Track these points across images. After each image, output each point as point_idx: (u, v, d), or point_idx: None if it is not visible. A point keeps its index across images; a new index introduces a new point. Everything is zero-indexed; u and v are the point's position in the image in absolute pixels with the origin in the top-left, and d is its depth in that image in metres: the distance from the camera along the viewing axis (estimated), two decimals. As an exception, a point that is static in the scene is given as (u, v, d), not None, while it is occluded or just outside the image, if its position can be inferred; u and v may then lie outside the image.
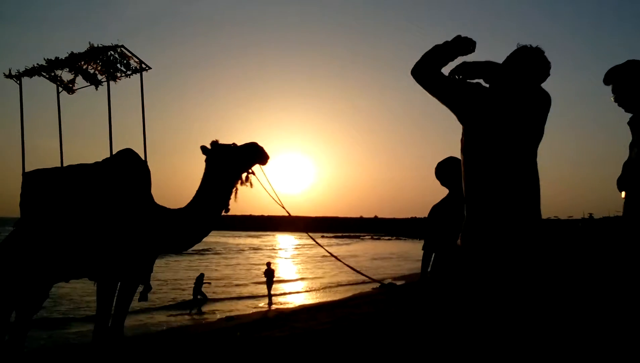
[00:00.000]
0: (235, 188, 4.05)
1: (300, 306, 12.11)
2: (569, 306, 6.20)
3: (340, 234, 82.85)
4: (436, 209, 3.40)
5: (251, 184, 4.11)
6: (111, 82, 4.25)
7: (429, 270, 3.36)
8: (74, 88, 4.53)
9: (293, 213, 4.47)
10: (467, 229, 2.26)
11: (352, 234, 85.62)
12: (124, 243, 3.81)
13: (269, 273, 12.91)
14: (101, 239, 3.81)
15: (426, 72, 2.24)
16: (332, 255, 4.40)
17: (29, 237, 3.93)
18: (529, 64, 2.21)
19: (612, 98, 2.53)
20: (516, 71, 2.23)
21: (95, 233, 3.82)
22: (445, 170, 3.40)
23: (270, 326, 8.39)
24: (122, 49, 4.17)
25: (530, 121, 2.20)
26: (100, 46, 4.13)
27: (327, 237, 70.55)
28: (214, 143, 4.00)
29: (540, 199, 2.23)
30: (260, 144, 4.09)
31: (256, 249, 40.52)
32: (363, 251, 41.43)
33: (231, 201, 4.05)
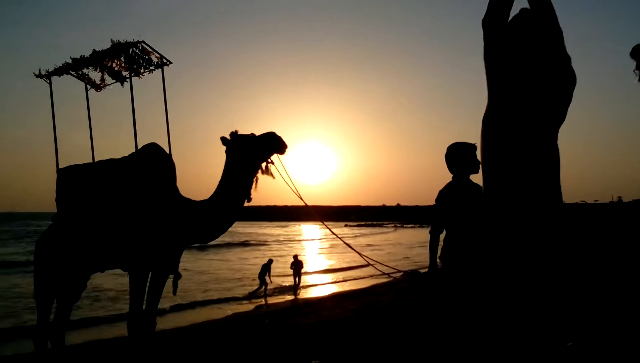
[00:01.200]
0: (255, 178, 4.10)
1: (326, 295, 12.26)
2: (596, 291, 6.12)
3: (363, 223, 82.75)
4: (442, 194, 3.39)
5: (272, 175, 4.15)
6: (135, 78, 4.35)
7: (438, 255, 3.35)
8: (101, 85, 4.65)
9: (314, 203, 4.52)
10: (485, 208, 2.24)
11: (374, 222, 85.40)
12: (151, 234, 3.92)
13: (297, 264, 13.14)
14: (130, 231, 3.93)
15: (493, 22, 2.23)
16: (348, 245, 4.43)
17: (65, 230, 4.12)
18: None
19: (636, 74, 2.48)
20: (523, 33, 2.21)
21: (124, 225, 3.94)
22: (450, 156, 3.38)
23: (297, 314, 8.55)
24: (143, 44, 4.24)
25: (553, 100, 2.17)
26: (122, 42, 4.19)
27: (350, 226, 70.58)
28: (233, 134, 4.04)
29: (559, 179, 2.19)
30: (278, 133, 4.11)
31: (290, 240, 40.67)
32: (400, 239, 41.21)
33: (253, 191, 4.09)
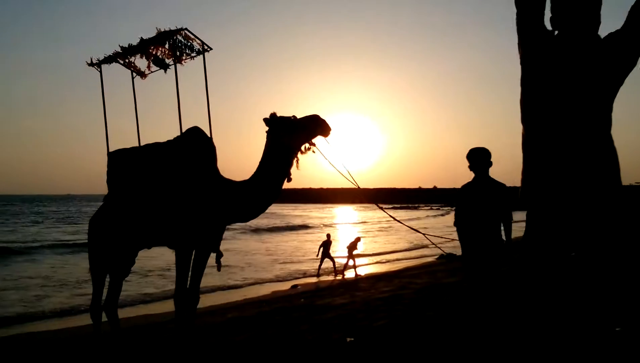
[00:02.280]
0: (296, 159, 4.13)
1: (361, 276, 12.39)
2: None
3: (398, 205, 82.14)
4: (465, 189, 3.97)
5: (313, 151, 4.15)
6: (177, 65, 4.51)
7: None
8: (146, 73, 4.86)
9: (353, 186, 4.50)
10: (531, 192, 2.18)
11: (410, 205, 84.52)
12: (193, 213, 4.09)
13: (352, 244, 13.35)
14: (173, 210, 4.11)
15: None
16: (413, 229, 4.46)
17: (115, 209, 4.38)
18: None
19: None
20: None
21: (168, 204, 4.13)
22: (472, 159, 3.94)
23: (332, 294, 8.73)
24: (186, 31, 4.39)
25: (595, 81, 2.07)
26: (167, 30, 4.37)
27: (385, 208, 69.87)
28: (273, 115, 4.08)
29: (616, 155, 2.11)
30: (322, 117, 4.10)
31: (337, 224, 40.51)
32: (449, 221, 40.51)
33: (294, 171, 4.15)
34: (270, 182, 4.12)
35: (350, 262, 13.15)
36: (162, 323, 6.87)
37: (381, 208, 4.87)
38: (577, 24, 2.12)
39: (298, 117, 4.12)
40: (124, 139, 4.97)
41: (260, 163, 4.16)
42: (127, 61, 4.72)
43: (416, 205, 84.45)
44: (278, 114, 4.14)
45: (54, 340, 6.17)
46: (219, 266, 4.30)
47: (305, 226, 34.82)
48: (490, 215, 3.76)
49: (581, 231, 2.06)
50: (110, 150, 4.61)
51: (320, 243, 13.44)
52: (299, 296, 8.94)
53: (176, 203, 4.11)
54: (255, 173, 4.17)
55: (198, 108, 4.61)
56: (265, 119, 4.12)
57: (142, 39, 4.49)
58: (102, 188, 4.57)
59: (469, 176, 3.96)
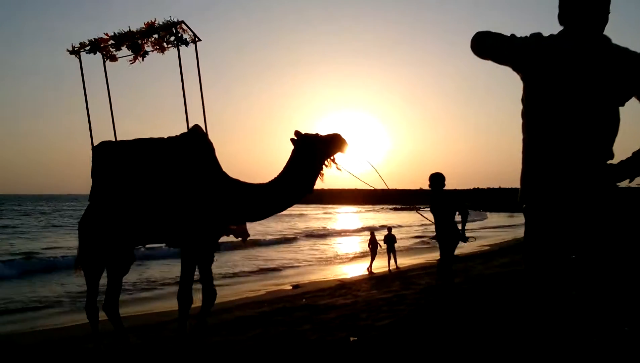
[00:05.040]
0: (321, 173, 4.19)
1: (362, 276, 12.34)
2: None
3: (399, 206, 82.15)
4: (431, 199, 6.16)
5: (338, 168, 4.23)
6: (159, 54, 4.40)
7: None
8: (117, 57, 4.64)
9: (357, 187, 4.54)
10: (528, 191, 2.14)
11: (410, 206, 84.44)
12: (200, 213, 4.02)
13: (390, 239, 13.33)
14: (179, 208, 4.03)
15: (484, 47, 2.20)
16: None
17: (105, 206, 4.26)
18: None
19: None
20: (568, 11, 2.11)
21: (172, 203, 4.04)
22: (432, 181, 6.17)
23: (333, 294, 8.67)
24: (183, 24, 4.28)
25: (595, 81, 2.02)
26: (166, 22, 4.26)
27: (385, 209, 70.16)
28: (298, 133, 4.13)
29: (606, 160, 2.06)
30: (342, 134, 4.18)
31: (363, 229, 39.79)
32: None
33: (318, 181, 4.21)
34: (292, 191, 4.17)
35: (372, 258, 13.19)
36: (163, 323, 6.82)
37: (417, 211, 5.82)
38: (586, 21, 2.07)
39: (320, 134, 4.18)
40: (122, 134, 4.73)
41: (284, 171, 4.17)
42: (102, 45, 4.55)
43: (418, 206, 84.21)
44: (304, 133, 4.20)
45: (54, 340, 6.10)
46: (244, 239, 4.44)
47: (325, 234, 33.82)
48: (447, 215, 6.06)
49: (581, 234, 2.04)
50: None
51: (383, 237, 13.58)
52: (300, 296, 8.87)
53: (181, 201, 4.03)
54: (277, 179, 4.17)
55: (185, 100, 4.43)
56: (292, 139, 4.16)
57: (139, 31, 4.40)
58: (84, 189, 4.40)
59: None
